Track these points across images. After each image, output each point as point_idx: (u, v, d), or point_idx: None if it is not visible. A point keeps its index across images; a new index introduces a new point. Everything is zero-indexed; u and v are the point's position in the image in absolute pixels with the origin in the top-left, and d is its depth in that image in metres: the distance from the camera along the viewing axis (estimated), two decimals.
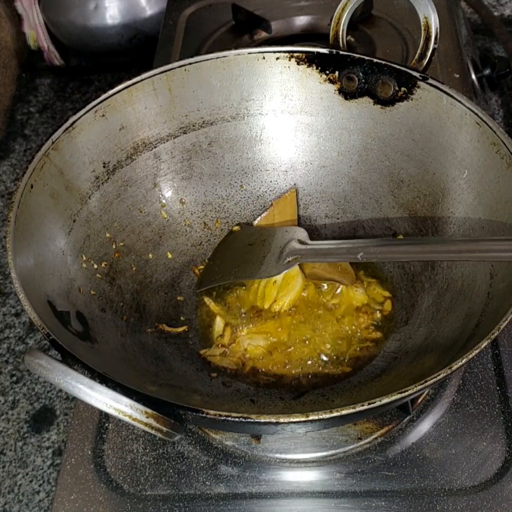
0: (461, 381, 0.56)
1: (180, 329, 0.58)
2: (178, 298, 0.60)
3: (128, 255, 0.59)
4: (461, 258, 0.50)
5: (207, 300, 0.60)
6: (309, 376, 0.54)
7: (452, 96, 0.53)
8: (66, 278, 0.51)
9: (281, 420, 0.37)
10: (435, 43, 0.55)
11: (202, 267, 0.62)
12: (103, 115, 0.56)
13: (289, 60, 0.59)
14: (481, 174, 0.52)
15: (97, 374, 0.38)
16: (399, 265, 0.59)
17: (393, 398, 0.37)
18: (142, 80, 0.57)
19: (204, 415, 0.37)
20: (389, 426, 0.54)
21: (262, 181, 0.64)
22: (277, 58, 0.59)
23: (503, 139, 0.49)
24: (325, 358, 0.55)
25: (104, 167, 0.57)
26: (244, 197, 0.64)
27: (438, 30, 0.55)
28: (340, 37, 0.59)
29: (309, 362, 0.55)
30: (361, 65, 0.57)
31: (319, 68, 0.58)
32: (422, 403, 0.55)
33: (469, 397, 0.55)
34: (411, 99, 0.56)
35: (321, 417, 0.36)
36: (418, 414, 0.55)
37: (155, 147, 0.60)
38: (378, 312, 0.57)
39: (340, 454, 0.53)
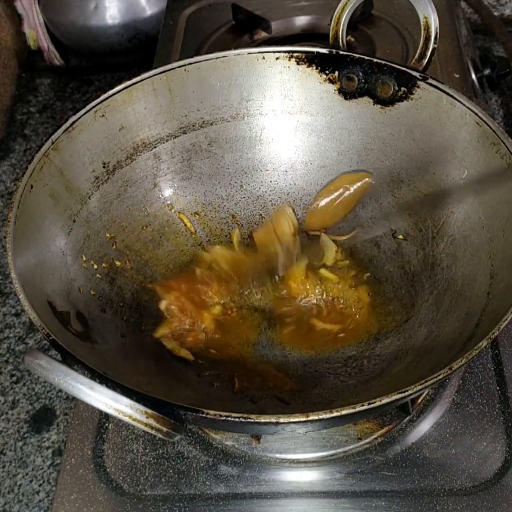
0: (461, 381, 0.56)
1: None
2: None
3: (128, 255, 0.59)
4: None
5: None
6: (309, 375, 0.54)
7: (452, 96, 0.53)
8: (66, 278, 0.51)
9: (281, 420, 0.37)
10: (435, 43, 0.55)
11: None
12: (103, 115, 0.56)
13: (289, 60, 0.59)
14: (481, 174, 0.52)
15: (97, 374, 0.38)
16: (399, 265, 0.59)
17: (393, 398, 0.37)
18: (142, 80, 0.57)
19: (204, 415, 0.37)
20: (389, 426, 0.54)
21: (262, 181, 0.64)
22: (277, 58, 0.59)
23: (503, 139, 0.49)
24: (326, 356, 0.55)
25: (104, 167, 0.57)
26: (244, 197, 0.64)
27: (438, 30, 0.55)
28: (340, 37, 0.59)
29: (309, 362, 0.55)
30: (361, 65, 0.57)
31: (319, 68, 0.58)
32: (422, 403, 0.55)
33: (469, 397, 0.55)
34: (411, 99, 0.56)
35: (321, 417, 0.36)
36: (418, 414, 0.55)
37: (155, 147, 0.60)
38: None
39: (340, 454, 0.53)
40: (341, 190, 0.61)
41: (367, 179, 0.60)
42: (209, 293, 0.58)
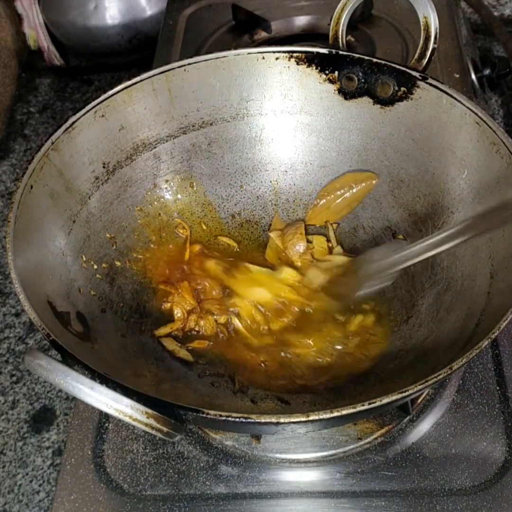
0: (461, 381, 0.56)
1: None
2: None
3: (128, 255, 0.59)
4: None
5: None
6: (308, 375, 0.54)
7: (452, 96, 0.53)
8: (66, 278, 0.51)
9: (282, 420, 0.37)
10: (434, 42, 0.55)
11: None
12: (102, 116, 0.56)
13: (289, 60, 0.59)
14: (481, 174, 0.52)
15: (98, 375, 0.38)
16: None
17: (393, 398, 0.37)
18: (141, 80, 0.57)
19: (204, 415, 0.37)
20: (389, 426, 0.54)
21: (262, 181, 0.64)
22: (277, 58, 0.59)
23: (503, 139, 0.49)
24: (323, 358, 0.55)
25: (104, 167, 0.57)
26: (244, 197, 0.64)
27: (438, 29, 0.55)
28: (340, 37, 0.59)
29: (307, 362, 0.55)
30: (360, 65, 0.57)
31: (319, 68, 0.58)
32: (422, 403, 0.55)
33: (469, 397, 0.55)
34: (411, 99, 0.56)
35: (321, 417, 0.36)
36: (418, 414, 0.55)
37: (155, 147, 0.60)
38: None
39: (340, 454, 0.53)
40: (345, 189, 0.61)
41: (373, 181, 0.60)
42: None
